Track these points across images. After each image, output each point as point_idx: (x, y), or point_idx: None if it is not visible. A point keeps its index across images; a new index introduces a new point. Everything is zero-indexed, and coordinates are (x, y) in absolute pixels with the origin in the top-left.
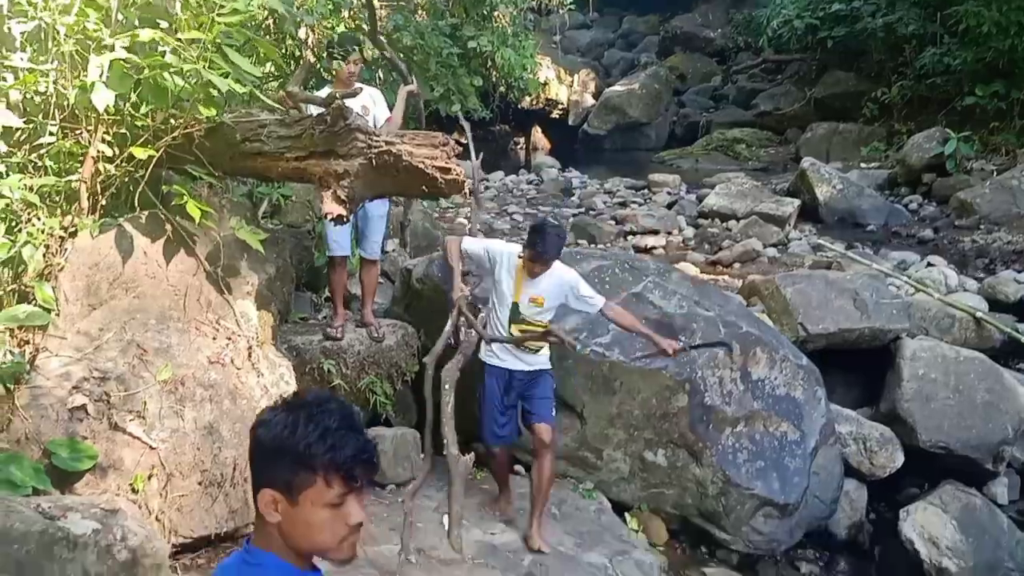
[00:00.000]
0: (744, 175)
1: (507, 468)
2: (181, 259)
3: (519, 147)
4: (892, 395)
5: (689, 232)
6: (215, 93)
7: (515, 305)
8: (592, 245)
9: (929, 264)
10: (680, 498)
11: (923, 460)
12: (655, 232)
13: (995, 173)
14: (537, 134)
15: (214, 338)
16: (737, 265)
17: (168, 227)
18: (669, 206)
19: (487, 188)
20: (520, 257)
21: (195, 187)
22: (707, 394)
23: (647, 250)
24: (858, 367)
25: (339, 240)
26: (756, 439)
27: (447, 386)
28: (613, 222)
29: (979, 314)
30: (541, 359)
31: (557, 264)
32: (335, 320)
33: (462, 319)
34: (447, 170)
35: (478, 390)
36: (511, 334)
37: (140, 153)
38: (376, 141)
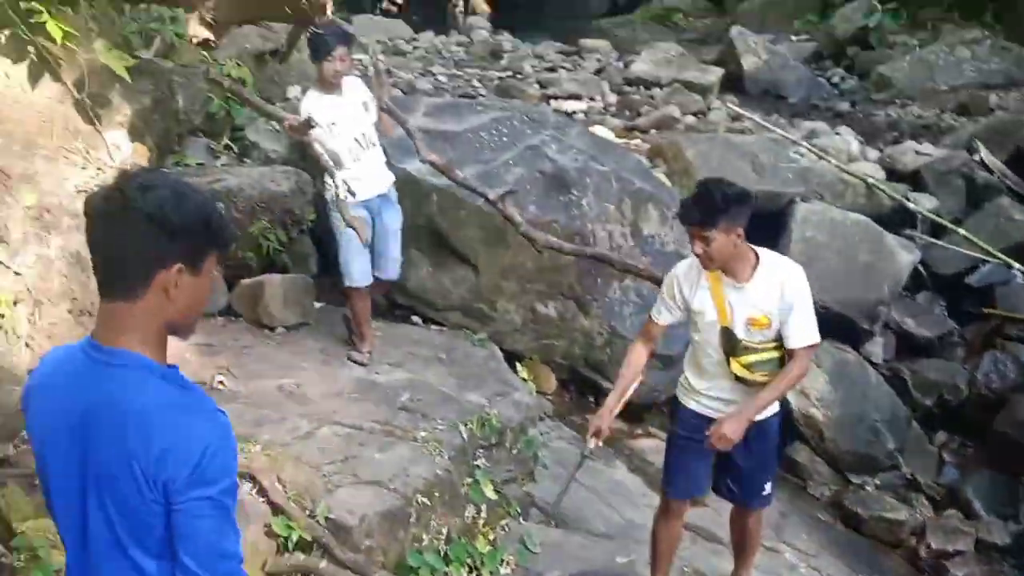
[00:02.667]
0: (677, 44)
1: None
2: (48, 84)
3: (458, 9)
4: None
5: (612, 98)
6: None
7: (725, 331)
8: None
9: (836, 134)
10: (569, 349)
11: None
12: (578, 97)
13: (918, 48)
14: None
15: (83, 167)
16: (653, 131)
17: (31, 49)
18: (597, 72)
19: (415, 48)
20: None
21: (61, 9)
22: (596, 248)
23: (569, 115)
24: (756, 230)
25: (364, 270)
26: (643, 293)
27: None
28: (538, 86)
29: (870, 180)
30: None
31: (767, 254)
32: (362, 344)
33: None
34: None
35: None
36: (734, 377)
37: None
38: None
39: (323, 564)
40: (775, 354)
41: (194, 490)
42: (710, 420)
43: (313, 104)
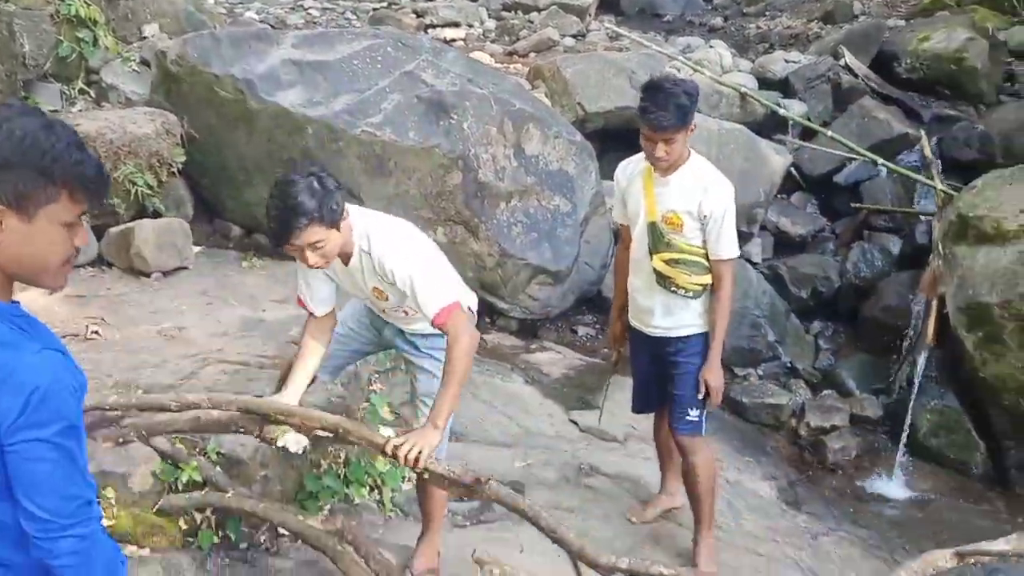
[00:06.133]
0: None
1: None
2: None
3: None
4: None
5: (491, 24)
6: None
7: (651, 226)
8: None
9: (710, 47)
10: (461, 273)
11: None
12: (456, 24)
13: None
14: None
15: None
16: (533, 55)
17: None
18: None
19: None
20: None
21: None
22: (480, 171)
23: (447, 42)
24: (637, 145)
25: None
26: (530, 212)
27: None
28: (414, 15)
29: (743, 89)
30: (685, 314)
31: (699, 159)
32: None
33: None
34: None
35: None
36: (655, 269)
37: None
38: None
39: (214, 497)
40: (699, 259)
41: (25, 432)
42: (635, 331)
43: None
